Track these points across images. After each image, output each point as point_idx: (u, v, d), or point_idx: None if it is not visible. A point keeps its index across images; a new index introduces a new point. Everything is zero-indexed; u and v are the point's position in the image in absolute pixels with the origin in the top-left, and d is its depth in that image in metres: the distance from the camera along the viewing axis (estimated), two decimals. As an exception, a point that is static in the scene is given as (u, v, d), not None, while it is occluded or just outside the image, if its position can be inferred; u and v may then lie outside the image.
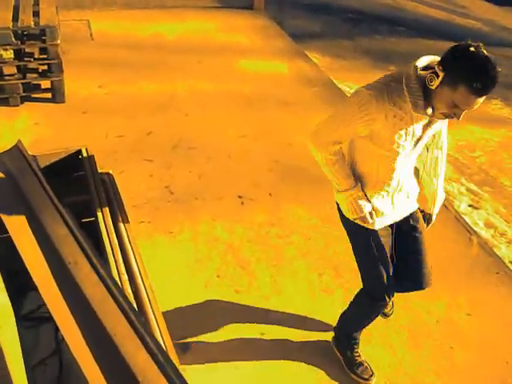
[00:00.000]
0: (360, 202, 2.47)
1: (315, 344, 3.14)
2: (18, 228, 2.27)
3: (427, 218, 2.83)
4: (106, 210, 2.54)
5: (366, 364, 2.98)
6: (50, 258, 2.15)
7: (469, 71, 1.99)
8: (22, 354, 1.93)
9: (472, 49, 2.01)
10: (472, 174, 5.11)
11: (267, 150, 4.71)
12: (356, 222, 2.55)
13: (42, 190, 2.41)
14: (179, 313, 3.21)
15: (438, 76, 2.05)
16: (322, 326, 3.23)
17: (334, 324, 3.12)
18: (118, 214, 2.60)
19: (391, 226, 2.70)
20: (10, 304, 2.07)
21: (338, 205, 2.64)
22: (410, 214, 2.69)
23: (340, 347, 3.03)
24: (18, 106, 5.21)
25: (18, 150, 2.63)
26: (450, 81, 2.03)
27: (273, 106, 5.56)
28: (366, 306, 2.83)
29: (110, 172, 2.90)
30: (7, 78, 5.08)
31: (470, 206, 4.63)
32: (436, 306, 3.45)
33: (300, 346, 3.11)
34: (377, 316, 2.89)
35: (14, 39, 4.95)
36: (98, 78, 5.81)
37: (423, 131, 2.34)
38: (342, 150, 2.45)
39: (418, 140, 2.36)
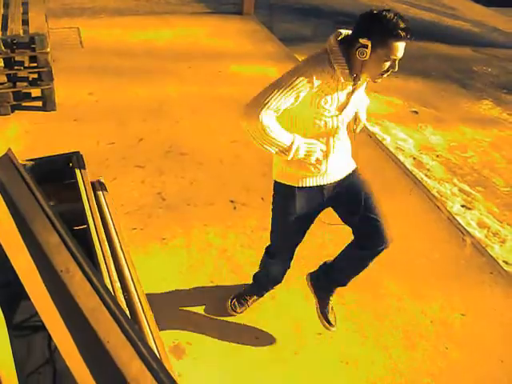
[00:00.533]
0: (309, 144, 2.54)
1: (310, 348, 3.14)
2: (9, 236, 2.26)
3: (355, 119, 2.75)
4: (98, 217, 2.52)
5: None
6: (42, 267, 2.14)
7: (391, 26, 2.24)
8: (14, 364, 1.92)
9: (375, 11, 2.31)
10: (464, 174, 5.12)
11: (259, 155, 4.67)
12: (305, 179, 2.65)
13: (32, 198, 2.40)
14: (173, 319, 3.20)
15: (366, 47, 2.28)
16: (316, 329, 3.22)
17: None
18: (110, 221, 2.59)
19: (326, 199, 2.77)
20: (1, 313, 2.05)
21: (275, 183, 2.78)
22: (346, 178, 2.79)
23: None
24: (8, 114, 5.19)
25: (8, 159, 2.61)
26: (379, 44, 2.27)
27: (264, 110, 5.55)
28: (265, 258, 3.15)
29: (102, 179, 2.89)
30: (-3, 86, 5.07)
31: (462, 206, 4.64)
32: (430, 307, 3.45)
33: (295, 350, 3.11)
34: (267, 275, 3.21)
35: (3, 48, 4.94)
36: (89, 86, 5.79)
37: (347, 98, 2.51)
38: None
39: (344, 106, 2.52)
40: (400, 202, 4.35)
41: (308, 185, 2.69)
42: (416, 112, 6.17)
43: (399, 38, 2.25)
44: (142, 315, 2.14)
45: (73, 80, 5.83)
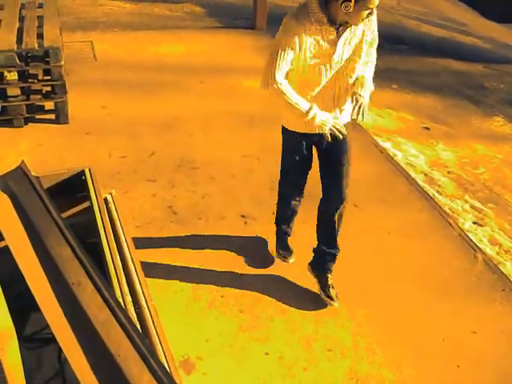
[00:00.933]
0: (323, 116, 3.01)
1: (320, 364, 3.12)
2: (22, 248, 2.27)
3: (355, 103, 3.08)
4: (110, 230, 2.53)
5: (290, 247, 3.81)
6: (54, 279, 2.14)
7: None
8: (24, 376, 1.92)
9: None
10: (476, 190, 5.09)
11: (270, 169, 4.69)
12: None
13: (45, 210, 2.41)
14: (183, 334, 3.19)
15: (350, 1, 2.71)
16: (326, 346, 3.21)
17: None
18: (122, 234, 2.60)
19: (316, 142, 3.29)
20: (12, 326, 2.06)
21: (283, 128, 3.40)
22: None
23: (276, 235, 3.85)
24: (21, 127, 5.24)
25: (21, 171, 2.63)
26: None
27: (275, 125, 5.55)
28: (280, 190, 3.70)
29: (113, 192, 2.90)
30: (11, 99, 5.11)
31: (474, 223, 4.61)
32: (441, 324, 3.42)
33: (305, 366, 3.09)
34: (288, 200, 3.65)
35: (18, 61, 4.99)
36: (101, 99, 5.84)
37: (333, 46, 2.93)
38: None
39: (332, 54, 2.94)
40: (411, 219, 4.34)
41: (303, 131, 3.21)
42: (427, 128, 6.16)
43: None
44: (153, 329, 2.14)
45: (86, 93, 5.88)
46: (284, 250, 3.79)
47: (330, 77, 3.02)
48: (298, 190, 3.59)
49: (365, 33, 3.02)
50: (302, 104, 2.98)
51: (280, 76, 2.93)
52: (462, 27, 9.76)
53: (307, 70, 2.98)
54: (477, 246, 4.17)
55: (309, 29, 2.85)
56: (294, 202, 3.64)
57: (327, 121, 3.02)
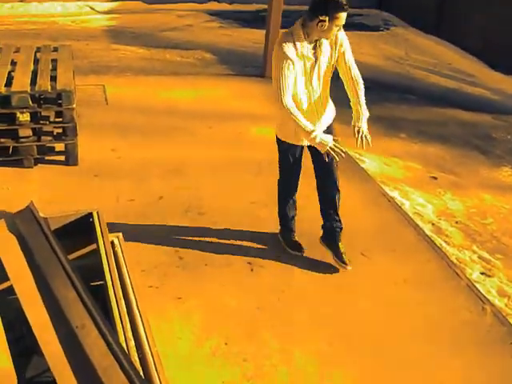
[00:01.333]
0: (323, 136, 3.68)
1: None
2: (26, 290, 2.26)
3: (357, 131, 3.85)
4: (115, 273, 2.52)
5: (298, 242, 4.40)
6: (58, 322, 2.13)
7: (339, 4, 3.46)
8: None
9: None
10: (484, 241, 5.07)
11: (278, 217, 4.70)
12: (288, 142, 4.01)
13: (52, 252, 2.41)
14: (186, 381, 3.14)
15: (325, 21, 3.47)
16: (331, 397, 3.16)
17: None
18: (127, 278, 2.59)
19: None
20: (13, 368, 2.03)
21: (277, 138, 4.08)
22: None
23: (282, 236, 4.47)
24: (31, 167, 5.28)
25: (29, 212, 2.64)
26: (332, 16, 3.47)
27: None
28: (280, 189, 4.37)
29: (120, 235, 2.90)
30: (22, 140, 5.15)
31: (482, 273, 4.57)
32: (450, 378, 3.36)
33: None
34: (286, 197, 4.35)
35: (31, 103, 5.06)
36: (111, 142, 5.88)
37: (312, 66, 3.73)
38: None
39: (312, 69, 3.74)
40: (419, 269, 4.31)
41: (294, 142, 3.98)
42: (435, 177, 6.17)
43: (345, 10, 3.49)
44: (156, 376, 2.12)
45: (96, 136, 5.93)
46: (293, 248, 4.37)
47: (311, 86, 3.80)
48: (294, 186, 4.28)
49: (332, 53, 3.78)
50: (308, 125, 3.67)
51: (288, 99, 3.66)
52: (470, 78, 9.85)
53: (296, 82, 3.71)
54: (485, 297, 4.12)
55: (294, 50, 3.60)
56: (291, 199, 4.32)
57: (327, 141, 3.66)
